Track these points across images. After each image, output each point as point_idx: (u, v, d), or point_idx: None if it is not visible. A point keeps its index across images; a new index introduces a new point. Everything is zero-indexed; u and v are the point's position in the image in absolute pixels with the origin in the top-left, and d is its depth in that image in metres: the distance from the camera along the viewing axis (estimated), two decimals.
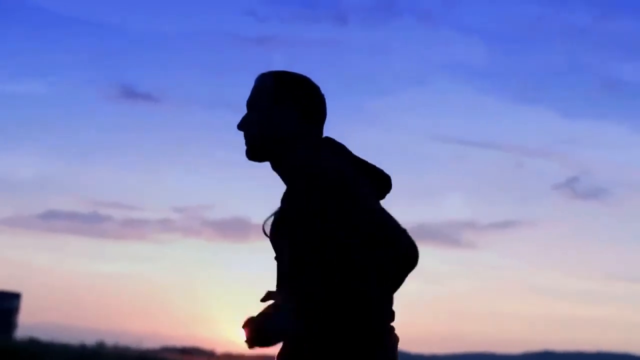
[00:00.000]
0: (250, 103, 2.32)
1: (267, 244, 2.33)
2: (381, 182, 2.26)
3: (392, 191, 2.30)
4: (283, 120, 2.26)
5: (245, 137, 2.31)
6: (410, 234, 2.11)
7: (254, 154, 2.30)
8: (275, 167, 2.29)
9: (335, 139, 2.28)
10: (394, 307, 2.17)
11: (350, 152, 2.26)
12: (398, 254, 2.04)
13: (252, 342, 2.22)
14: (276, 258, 2.26)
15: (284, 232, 2.19)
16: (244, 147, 2.32)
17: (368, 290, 2.07)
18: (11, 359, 17.15)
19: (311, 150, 2.24)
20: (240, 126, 2.31)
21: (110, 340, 21.43)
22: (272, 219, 2.28)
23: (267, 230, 2.28)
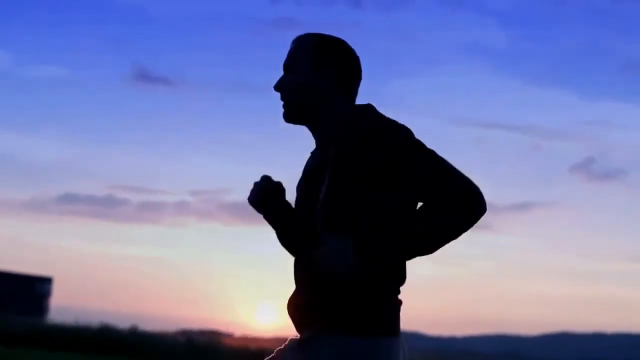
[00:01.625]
0: (288, 65, 2.31)
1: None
2: None
3: None
4: (322, 84, 2.25)
5: (283, 99, 2.30)
6: None
7: (291, 118, 2.30)
8: (314, 130, 2.30)
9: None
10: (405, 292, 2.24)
11: None
12: (480, 209, 2.13)
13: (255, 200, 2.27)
14: (301, 206, 2.28)
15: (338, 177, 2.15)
16: (278, 112, 2.31)
17: (420, 250, 2.12)
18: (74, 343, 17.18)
19: (356, 109, 2.24)
20: (277, 87, 2.31)
21: (131, 324, 21.24)
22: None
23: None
